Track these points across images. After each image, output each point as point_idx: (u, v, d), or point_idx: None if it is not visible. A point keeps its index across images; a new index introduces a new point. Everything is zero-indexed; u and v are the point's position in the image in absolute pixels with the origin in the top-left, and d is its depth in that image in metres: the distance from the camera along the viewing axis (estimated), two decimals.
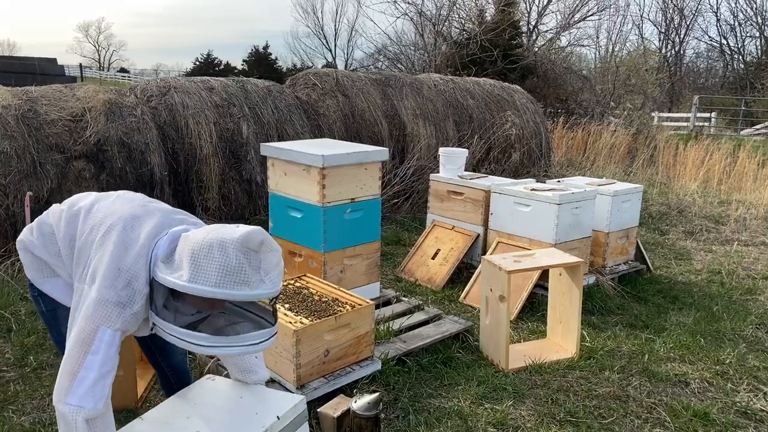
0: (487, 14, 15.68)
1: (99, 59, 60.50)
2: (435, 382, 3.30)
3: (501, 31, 13.81)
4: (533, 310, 4.29)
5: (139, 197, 2.19)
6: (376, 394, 2.73)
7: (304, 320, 2.95)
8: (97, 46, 61.20)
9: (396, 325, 3.71)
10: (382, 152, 3.99)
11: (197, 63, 44.29)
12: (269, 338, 1.92)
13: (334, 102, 6.91)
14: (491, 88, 8.64)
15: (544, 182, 5.15)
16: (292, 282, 3.43)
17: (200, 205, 5.92)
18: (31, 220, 2.32)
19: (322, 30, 39.74)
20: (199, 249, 1.77)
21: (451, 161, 5.19)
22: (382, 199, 6.40)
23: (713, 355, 3.72)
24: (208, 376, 2.52)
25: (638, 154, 11.81)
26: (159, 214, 2.04)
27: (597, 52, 26.22)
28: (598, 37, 28.07)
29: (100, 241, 1.95)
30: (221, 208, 5.99)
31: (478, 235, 4.93)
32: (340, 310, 3.06)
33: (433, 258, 4.96)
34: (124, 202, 2.11)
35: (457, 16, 15.05)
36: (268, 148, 4.04)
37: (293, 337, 2.83)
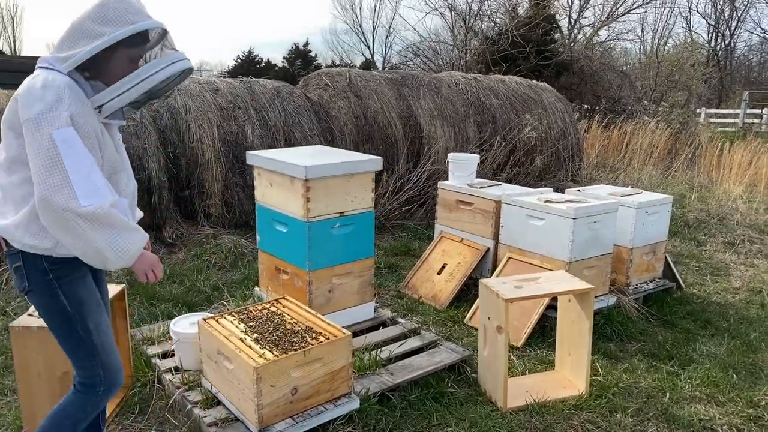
0: (520, 9, 15.12)
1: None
2: (422, 422, 2.95)
3: (534, 25, 13.25)
4: (544, 335, 3.89)
5: None
6: None
7: (269, 354, 2.64)
8: None
9: (385, 353, 3.37)
10: (374, 161, 3.64)
11: (238, 61, 44.72)
12: (182, 59, 2.09)
13: (346, 103, 6.60)
14: (517, 86, 8.18)
15: (564, 190, 4.73)
16: (267, 306, 3.13)
17: (202, 211, 5.70)
18: None
19: (360, 26, 39.45)
20: (81, 17, 1.96)
21: (461, 168, 4.81)
22: (391, 206, 6.08)
23: (746, 395, 3.26)
24: None
25: (679, 154, 11.15)
26: None
27: (642, 47, 25.23)
28: (643, 31, 27.06)
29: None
30: (224, 214, 5.74)
31: (488, 249, 4.55)
32: (311, 343, 2.74)
33: (439, 273, 4.60)
34: None
35: (488, 10, 14.52)
36: (253, 156, 3.76)
37: (253, 375, 2.52)
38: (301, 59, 38.82)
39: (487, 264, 4.57)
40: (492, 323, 3.11)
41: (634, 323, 4.14)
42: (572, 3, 17.94)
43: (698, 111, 18.90)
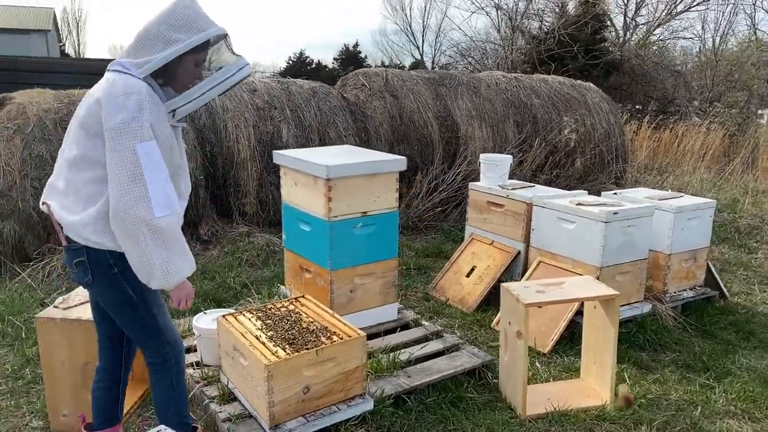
0: (569, 7, 14.78)
1: None
2: (438, 427, 2.90)
3: (583, 24, 12.93)
4: (573, 342, 3.77)
5: None
6: None
7: (281, 352, 2.64)
8: None
9: (405, 355, 3.33)
10: (398, 162, 3.61)
11: (290, 62, 45.44)
12: (246, 65, 2.18)
13: (382, 103, 6.58)
14: (560, 86, 7.99)
15: (601, 193, 4.58)
16: (286, 304, 3.14)
17: (237, 209, 5.79)
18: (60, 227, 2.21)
19: (409, 27, 39.35)
20: (156, 21, 2.04)
21: (493, 169, 4.72)
22: (425, 207, 6.03)
23: None
24: (160, 427, 2.30)
25: (735, 157, 10.65)
26: None
27: (702, 45, 24.23)
28: (703, 29, 26.02)
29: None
30: (259, 213, 5.82)
31: (519, 252, 4.45)
32: (325, 342, 2.73)
33: (467, 276, 4.53)
34: None
35: (535, 9, 14.25)
36: (279, 155, 3.78)
37: (265, 372, 2.53)
38: (351, 60, 39.16)
39: (517, 268, 4.47)
40: (512, 328, 3.03)
41: (669, 332, 3.97)
42: (628, 1, 17.39)
43: (760, 112, 18.04)
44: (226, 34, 2.19)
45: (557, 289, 3.07)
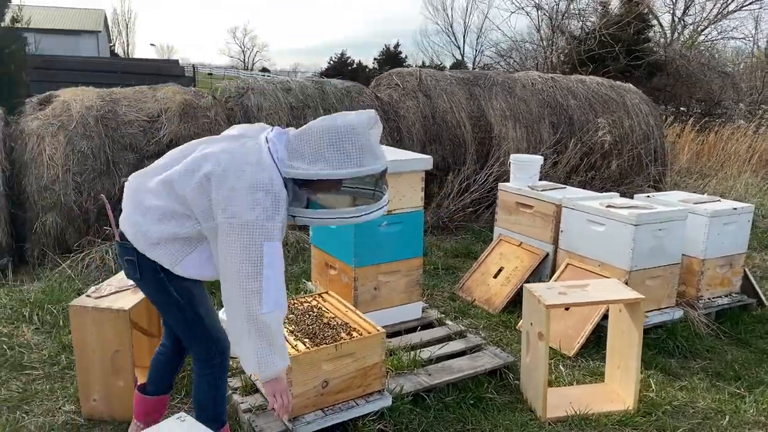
0: (612, 6, 14.49)
1: (244, 59, 64.46)
2: (456, 426, 2.91)
3: (625, 24, 12.66)
4: (599, 346, 3.70)
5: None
6: None
7: (301, 346, 2.69)
8: (242, 47, 65.25)
9: (426, 353, 3.34)
10: (423, 161, 3.63)
11: (331, 62, 45.85)
12: (383, 206, 2.14)
13: (414, 103, 6.60)
14: (598, 87, 7.85)
15: (633, 196, 4.50)
16: (309, 300, 3.19)
17: None
18: (116, 223, 2.31)
19: (451, 27, 39.17)
20: (335, 137, 1.99)
21: (523, 169, 4.68)
22: (456, 207, 6.02)
23: None
24: (178, 415, 2.36)
25: None
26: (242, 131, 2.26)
27: (754, 46, 23.40)
28: (757, 29, 25.15)
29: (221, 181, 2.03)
30: None
31: (547, 254, 4.40)
32: (345, 338, 2.76)
33: (495, 276, 4.50)
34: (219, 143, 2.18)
35: (576, 9, 14.02)
36: None
37: None
38: (391, 60, 39.22)
39: (545, 270, 4.43)
40: (534, 329, 3.01)
41: (701, 339, 3.87)
42: (676, 0, 16.93)
43: None
44: (384, 171, 2.12)
45: (580, 291, 3.03)
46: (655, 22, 14.89)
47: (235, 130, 2.29)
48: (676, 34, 16.78)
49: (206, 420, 2.31)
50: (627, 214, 3.76)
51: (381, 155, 2.08)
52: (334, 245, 3.70)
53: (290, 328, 2.86)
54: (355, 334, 2.81)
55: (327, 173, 2.01)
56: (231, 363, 3.14)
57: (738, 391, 3.28)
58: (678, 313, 3.98)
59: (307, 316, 2.99)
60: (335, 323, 2.92)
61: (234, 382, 3.02)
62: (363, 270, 3.55)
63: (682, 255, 4.11)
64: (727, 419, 2.99)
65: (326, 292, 3.29)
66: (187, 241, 2.14)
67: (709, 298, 4.22)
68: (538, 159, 4.75)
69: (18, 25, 9.55)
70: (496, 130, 6.78)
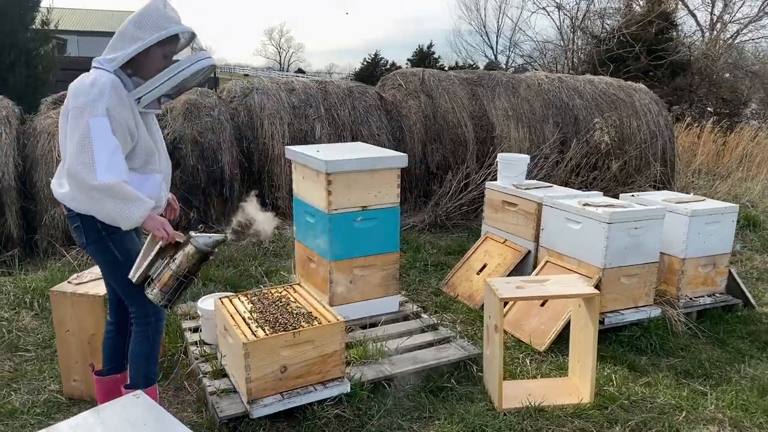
0: (636, 6, 14.28)
1: (280, 60, 65.28)
2: (413, 413, 3.01)
3: (647, 23, 12.49)
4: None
5: None
6: (222, 236, 2.59)
7: (261, 332, 2.84)
8: (278, 49, 66.09)
9: (394, 344, 3.45)
10: (399, 158, 3.74)
11: (365, 63, 46.13)
12: (201, 58, 2.43)
13: (416, 102, 6.70)
14: (606, 87, 7.82)
15: (619, 195, 4.52)
16: (280, 290, 3.34)
17: (271, 203, 6.06)
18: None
19: (484, 27, 38.95)
20: (137, 19, 2.34)
21: (510, 168, 4.75)
22: (453, 205, 6.10)
23: None
24: (135, 393, 2.52)
25: None
26: None
27: None
28: None
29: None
30: (290, 206, 6.07)
31: (529, 251, 4.46)
32: (304, 326, 2.90)
33: (478, 273, 4.58)
34: None
35: (599, 9, 13.88)
36: (290, 151, 3.99)
37: (243, 350, 2.73)
38: (423, 61, 39.23)
39: (528, 267, 4.49)
40: (491, 322, 3.09)
41: (676, 338, 3.89)
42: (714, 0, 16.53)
43: None
44: (192, 33, 2.51)
45: (538, 286, 3.11)
46: (680, 21, 14.63)
47: None
48: (714, 32, 16.41)
49: (139, 376, 2.60)
50: (601, 212, 3.80)
51: (181, 22, 2.42)
52: (312, 240, 3.84)
53: (255, 316, 3.01)
54: (315, 323, 2.95)
55: (142, 44, 2.33)
56: (206, 349, 3.33)
57: (701, 388, 3.30)
58: (655, 312, 4.00)
59: (275, 306, 3.13)
60: (299, 312, 3.05)
61: (206, 367, 3.19)
62: (338, 263, 3.68)
63: (663, 254, 4.14)
64: (683, 414, 3.03)
65: (298, 284, 3.43)
66: None
67: (690, 298, 4.22)
68: (525, 158, 4.81)
69: (47, 27, 9.97)
70: (498, 130, 6.84)
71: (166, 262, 2.45)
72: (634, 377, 3.40)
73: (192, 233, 2.50)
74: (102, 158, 2.25)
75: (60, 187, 2.46)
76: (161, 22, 2.36)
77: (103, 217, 2.36)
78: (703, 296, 4.28)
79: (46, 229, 5.13)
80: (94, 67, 2.39)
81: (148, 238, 2.51)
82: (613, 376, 3.36)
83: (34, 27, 9.95)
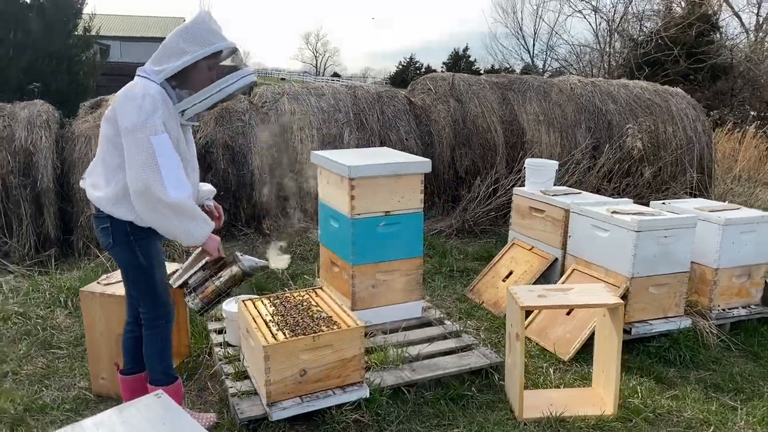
0: (677, 8, 13.95)
1: (316, 64, 65.91)
2: (432, 421, 3.00)
3: (687, 26, 12.19)
4: None
5: None
6: (265, 263, 2.73)
7: (281, 336, 2.87)
8: (315, 53, 66.73)
9: (415, 350, 3.45)
10: (422, 164, 3.73)
11: (400, 66, 46.18)
12: (245, 75, 2.53)
13: (445, 107, 6.68)
14: (641, 91, 7.67)
15: (650, 203, 4.43)
16: (302, 294, 3.37)
17: (299, 207, 6.12)
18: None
19: (520, 30, 38.55)
20: (184, 32, 2.41)
21: (537, 174, 4.69)
22: (482, 210, 6.05)
23: None
24: (155, 392, 2.58)
25: None
26: None
27: None
28: None
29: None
30: (317, 211, 6.11)
31: (556, 259, 4.40)
32: (324, 330, 2.92)
33: (504, 280, 4.54)
34: None
35: (636, 11, 13.61)
36: (315, 156, 4.02)
37: (263, 352, 2.77)
38: (459, 64, 39.11)
39: (555, 274, 4.43)
40: (513, 330, 3.06)
41: (707, 350, 3.78)
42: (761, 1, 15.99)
43: None
44: (235, 48, 2.57)
45: (561, 294, 3.06)
46: (722, 23, 14.23)
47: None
48: (760, 34, 15.91)
49: (158, 373, 2.71)
50: (629, 220, 3.72)
51: (226, 37, 2.49)
52: (336, 244, 3.87)
53: (277, 319, 3.04)
54: (335, 327, 2.96)
55: (190, 58, 2.40)
56: (230, 351, 3.38)
57: (731, 402, 3.20)
58: (686, 323, 3.89)
59: (296, 309, 3.16)
60: (320, 316, 3.08)
61: (229, 368, 3.23)
62: (361, 268, 3.69)
63: (694, 263, 4.03)
64: (711, 430, 2.94)
65: (320, 288, 3.46)
66: None
67: (723, 309, 4.10)
68: (553, 164, 4.75)
69: (88, 34, 10.29)
70: (529, 135, 6.77)
71: (208, 275, 2.59)
72: (661, 390, 3.32)
73: (239, 255, 2.62)
74: (170, 175, 2.35)
75: (95, 189, 2.53)
76: (208, 37, 2.43)
77: (164, 232, 2.45)
78: (737, 308, 4.15)
79: (81, 230, 5.28)
80: (140, 76, 2.46)
81: (197, 251, 2.63)
82: (638, 387, 3.29)
83: (76, 34, 10.27)
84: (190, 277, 2.61)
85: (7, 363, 3.52)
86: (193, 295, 2.60)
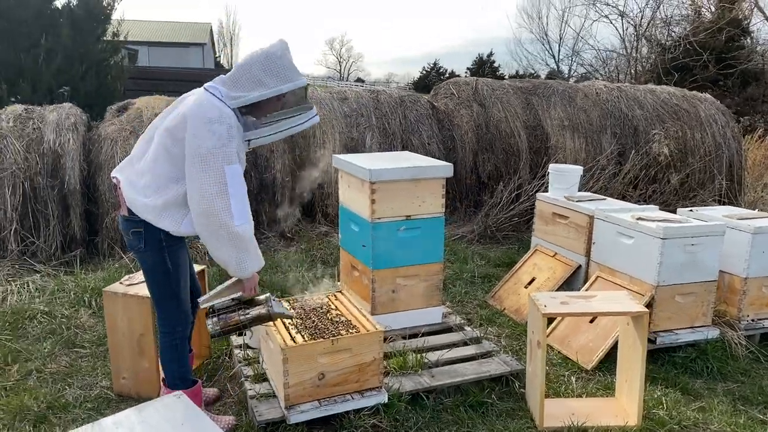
0: (706, 13, 13.72)
1: (340, 70, 66.20)
2: (451, 428, 2.96)
3: (717, 30, 11.97)
4: None
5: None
6: (293, 314, 2.94)
7: (299, 339, 2.86)
8: (339, 58, 67.03)
9: (435, 356, 3.41)
10: (444, 168, 3.70)
11: (423, 72, 46.21)
12: (315, 116, 2.59)
13: (468, 112, 6.64)
14: (669, 97, 7.54)
15: (677, 210, 4.34)
16: (323, 298, 3.36)
17: (320, 210, 6.13)
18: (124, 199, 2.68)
19: (546, 35, 38.30)
20: (265, 63, 2.40)
21: (561, 180, 4.63)
22: (504, 216, 6.00)
23: None
24: (175, 393, 2.59)
25: None
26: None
27: None
28: None
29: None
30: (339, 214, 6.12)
31: (580, 266, 4.33)
32: (342, 334, 2.90)
33: (526, 286, 4.48)
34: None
35: (665, 16, 13.40)
36: (337, 159, 4.02)
37: (281, 355, 2.76)
38: (484, 69, 38.94)
39: (578, 282, 4.36)
40: (534, 337, 3.02)
41: (736, 361, 3.68)
42: None
43: None
44: (308, 86, 2.62)
45: (583, 302, 3.01)
46: (753, 27, 13.95)
47: (175, 102, 2.65)
48: None
49: (175, 379, 2.73)
50: (655, 227, 3.65)
51: (297, 74, 2.49)
52: (356, 248, 3.86)
53: (295, 323, 3.04)
54: (353, 331, 2.95)
55: (268, 92, 2.41)
56: (250, 353, 3.38)
57: (761, 416, 3.11)
58: (713, 333, 3.80)
59: (315, 312, 3.16)
60: (339, 320, 3.07)
61: (249, 370, 3.24)
62: (380, 272, 3.67)
63: (723, 272, 3.94)
64: None
65: (340, 292, 3.45)
66: (183, 204, 2.49)
67: (753, 319, 3.99)
68: (577, 169, 4.68)
69: (117, 38, 10.49)
70: (553, 140, 6.69)
71: (236, 306, 2.62)
72: (687, 401, 3.24)
73: (272, 299, 2.69)
74: (238, 205, 2.38)
75: (139, 193, 2.51)
76: (288, 73, 2.44)
77: (216, 257, 2.47)
78: (767, 318, 4.03)
79: (106, 231, 5.35)
80: (212, 95, 2.44)
81: (233, 280, 2.63)
82: (663, 399, 3.21)
83: (105, 38, 10.47)
84: (220, 302, 2.62)
85: (32, 361, 3.57)
86: (216, 319, 2.61)
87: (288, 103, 2.54)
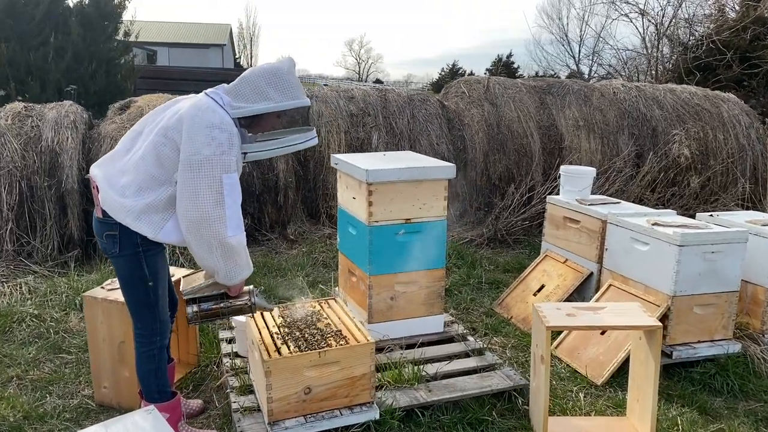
0: (730, 11, 13.32)
1: (359, 71, 66.06)
2: None
3: (741, 29, 11.58)
4: None
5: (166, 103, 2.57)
6: (273, 307, 2.88)
7: (284, 350, 2.68)
8: (358, 59, 66.88)
9: (433, 369, 3.21)
10: (445, 169, 3.50)
11: (442, 73, 45.92)
12: (313, 137, 2.56)
13: (479, 111, 6.42)
14: (690, 97, 7.24)
15: (696, 215, 4.09)
16: (314, 305, 3.18)
17: (325, 212, 5.96)
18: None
19: (566, 36, 37.70)
20: (272, 77, 2.35)
21: (573, 182, 4.40)
22: (515, 219, 5.77)
23: None
24: (147, 408, 2.43)
25: None
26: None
27: None
28: None
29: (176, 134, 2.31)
30: None
31: (591, 273, 4.10)
32: (331, 345, 2.72)
33: (535, 294, 4.26)
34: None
35: (686, 15, 13.03)
36: (335, 159, 3.84)
37: (264, 368, 2.58)
38: (501, 70, 38.55)
39: (589, 290, 4.12)
40: (538, 351, 2.80)
41: (759, 378, 3.42)
42: None
43: None
44: (309, 107, 2.49)
45: (591, 314, 2.78)
46: None
47: (169, 102, 2.54)
48: None
49: (154, 392, 2.57)
50: (671, 233, 3.41)
51: (301, 93, 2.45)
52: (354, 252, 3.67)
53: (284, 332, 2.86)
54: (343, 342, 2.76)
55: (273, 106, 2.35)
56: (239, 362, 3.21)
57: None
58: (734, 347, 3.54)
59: (304, 321, 2.97)
60: (329, 330, 2.88)
61: (235, 381, 3.06)
62: (378, 278, 3.48)
63: (745, 282, 3.69)
64: None
65: (332, 299, 3.26)
66: (165, 208, 2.36)
67: None
68: (590, 171, 4.44)
69: (127, 38, 10.44)
70: (567, 141, 6.45)
71: (217, 296, 2.54)
72: (705, 421, 3.00)
73: (255, 291, 2.62)
74: (233, 215, 2.31)
75: (117, 193, 2.37)
76: (293, 91, 2.40)
77: (203, 265, 2.38)
78: None
79: None
80: (213, 100, 2.35)
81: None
82: (679, 419, 2.97)
83: (117, 38, 10.42)
84: (203, 295, 2.53)
85: (14, 367, 3.44)
86: (196, 308, 2.52)
87: (286, 123, 2.42)
